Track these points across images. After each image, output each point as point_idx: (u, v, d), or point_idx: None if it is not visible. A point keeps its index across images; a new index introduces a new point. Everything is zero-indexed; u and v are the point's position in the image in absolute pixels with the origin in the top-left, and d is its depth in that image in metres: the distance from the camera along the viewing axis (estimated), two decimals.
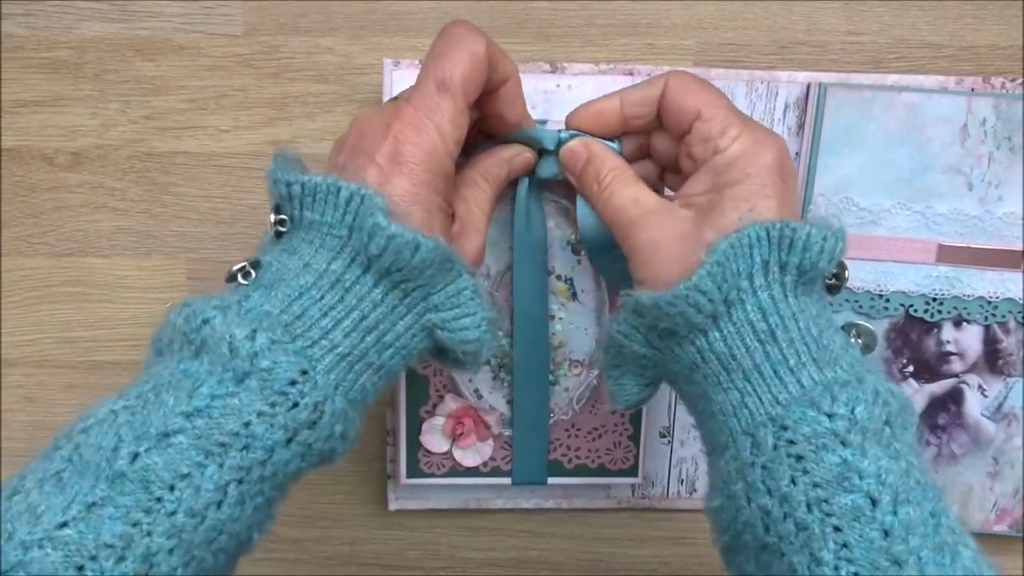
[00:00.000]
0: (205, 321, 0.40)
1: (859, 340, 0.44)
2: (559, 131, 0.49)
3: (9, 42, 0.55)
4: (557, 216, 0.54)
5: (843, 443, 0.38)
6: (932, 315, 0.58)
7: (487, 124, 0.49)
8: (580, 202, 0.50)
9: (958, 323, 0.58)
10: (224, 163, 0.57)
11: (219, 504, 0.38)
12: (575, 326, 0.57)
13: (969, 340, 0.58)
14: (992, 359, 0.59)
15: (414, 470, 0.59)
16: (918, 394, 0.59)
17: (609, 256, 0.49)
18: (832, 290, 0.44)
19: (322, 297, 0.41)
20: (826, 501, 0.37)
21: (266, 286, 0.42)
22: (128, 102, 0.56)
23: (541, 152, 0.50)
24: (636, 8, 0.55)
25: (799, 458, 0.38)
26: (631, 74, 0.54)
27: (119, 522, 0.36)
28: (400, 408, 0.57)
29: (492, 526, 0.64)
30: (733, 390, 0.41)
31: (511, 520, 0.64)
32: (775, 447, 0.39)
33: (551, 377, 0.58)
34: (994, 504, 0.61)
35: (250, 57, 0.55)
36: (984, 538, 0.62)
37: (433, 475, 0.59)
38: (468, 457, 0.59)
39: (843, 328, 0.44)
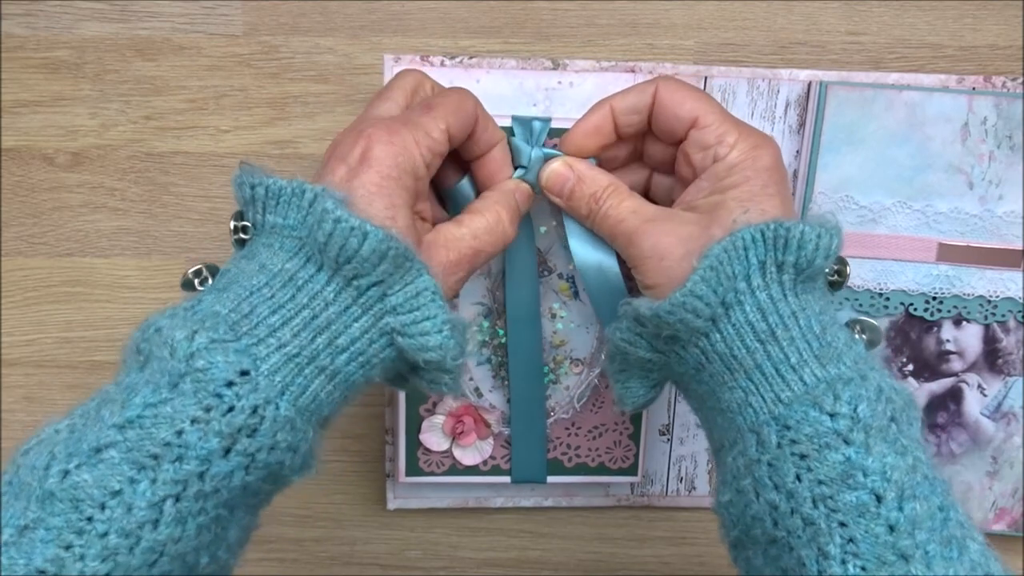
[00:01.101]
0: (156, 330, 0.38)
1: (863, 336, 0.44)
2: (531, 149, 0.50)
3: (9, 42, 0.55)
4: (559, 215, 0.54)
5: (846, 441, 0.38)
6: (932, 314, 0.58)
7: (477, 185, 0.50)
8: (574, 238, 0.50)
9: (958, 322, 0.58)
10: (224, 163, 0.57)
11: (155, 523, 0.35)
12: (576, 324, 0.57)
13: (969, 339, 0.59)
14: (992, 358, 0.59)
15: (414, 469, 0.59)
16: (918, 393, 0.59)
17: (610, 296, 0.50)
18: (834, 286, 0.44)
19: (273, 295, 0.39)
20: (831, 498, 0.37)
21: (220, 289, 0.40)
22: (128, 102, 0.56)
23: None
24: (636, 8, 0.55)
25: (803, 456, 0.38)
26: (633, 71, 0.54)
27: (52, 545, 0.34)
28: (399, 406, 0.57)
29: (492, 526, 0.64)
30: (737, 389, 0.41)
31: (511, 520, 0.64)
32: (779, 445, 0.39)
33: (552, 376, 0.58)
34: (993, 503, 0.62)
35: (250, 57, 0.55)
36: None
37: (433, 474, 0.59)
38: (468, 456, 0.59)
39: (847, 324, 0.44)
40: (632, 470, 0.60)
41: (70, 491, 0.34)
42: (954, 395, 0.60)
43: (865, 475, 0.37)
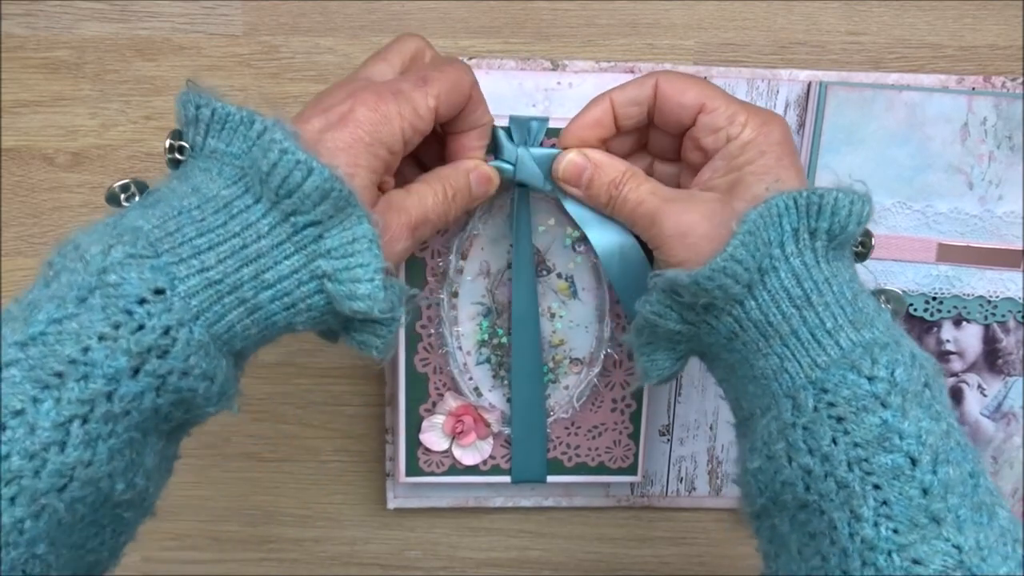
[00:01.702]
0: (74, 246, 0.36)
1: (888, 306, 0.45)
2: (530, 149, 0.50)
3: (9, 42, 0.55)
4: (558, 214, 0.54)
5: (883, 405, 0.38)
6: (932, 314, 0.58)
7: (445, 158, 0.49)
8: (591, 228, 0.50)
9: (958, 322, 0.58)
10: None
11: (62, 445, 0.33)
12: (575, 324, 0.57)
13: (969, 339, 0.59)
14: (991, 358, 0.59)
15: (413, 468, 0.59)
16: None
17: (635, 278, 0.50)
18: (860, 257, 0.45)
19: (203, 218, 0.38)
20: (866, 460, 0.38)
21: (146, 206, 0.38)
22: (128, 102, 0.56)
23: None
24: (636, 8, 0.55)
25: (840, 419, 0.39)
26: (632, 71, 0.54)
27: None
28: (399, 406, 0.57)
29: (492, 526, 0.64)
30: (772, 355, 0.42)
31: (511, 520, 0.64)
32: (816, 409, 0.39)
33: (551, 375, 0.58)
34: None
35: (250, 57, 0.55)
36: None
37: (433, 473, 0.59)
38: (468, 455, 0.59)
39: (872, 294, 0.44)
40: (632, 470, 0.60)
41: None
42: (954, 395, 0.60)
43: (901, 438, 0.38)
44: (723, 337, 0.43)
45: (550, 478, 0.59)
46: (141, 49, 0.55)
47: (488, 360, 0.57)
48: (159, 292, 0.35)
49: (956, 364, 0.59)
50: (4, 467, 0.32)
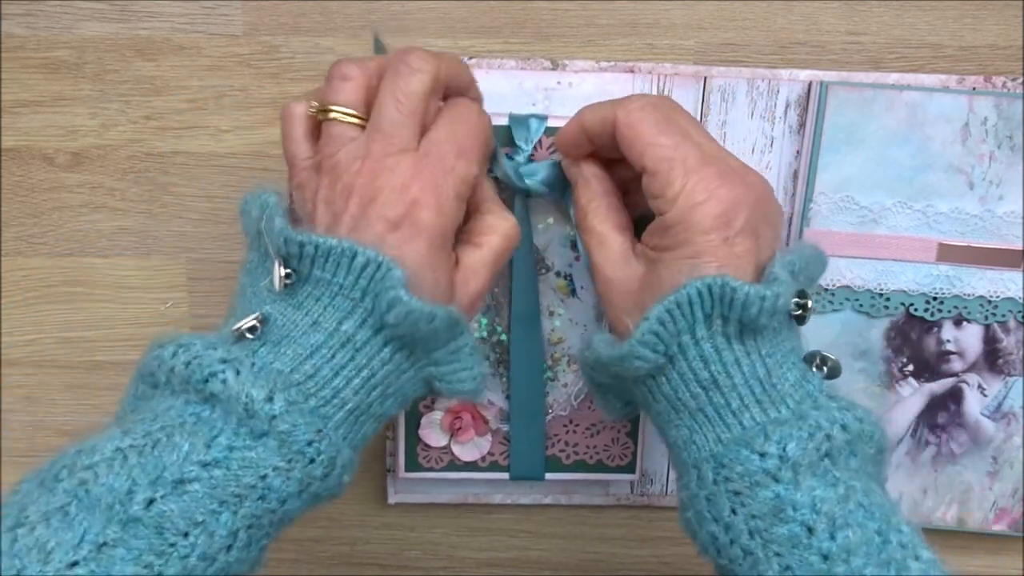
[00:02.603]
0: (213, 374, 0.39)
1: (825, 367, 0.45)
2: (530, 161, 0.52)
3: (9, 42, 0.55)
4: (556, 213, 0.55)
5: (775, 479, 0.40)
6: (932, 314, 0.58)
7: None
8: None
9: (958, 322, 0.58)
10: (224, 163, 0.57)
11: (229, 548, 0.38)
12: (574, 322, 0.57)
13: (969, 339, 0.58)
14: (992, 358, 0.59)
15: (413, 464, 0.59)
16: (918, 393, 0.59)
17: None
18: (800, 320, 0.44)
19: (333, 356, 0.41)
20: (765, 531, 0.40)
21: (274, 342, 0.41)
22: (128, 102, 0.56)
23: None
24: (636, 8, 0.55)
25: (736, 493, 0.41)
26: (632, 71, 0.54)
27: (131, 564, 0.36)
28: None
29: (492, 526, 0.64)
30: (683, 427, 0.44)
31: (511, 520, 0.64)
32: (715, 482, 0.41)
33: (549, 373, 0.58)
34: (993, 504, 0.62)
35: (250, 57, 0.55)
36: (983, 538, 0.62)
37: (432, 469, 0.59)
38: (466, 452, 0.59)
39: (806, 357, 0.45)
40: (630, 468, 0.60)
41: (156, 519, 0.37)
42: (954, 395, 0.60)
43: (795, 509, 0.39)
44: (641, 402, 0.46)
45: (548, 475, 0.59)
46: (141, 49, 0.55)
47: (487, 358, 0.57)
48: (319, 431, 0.40)
49: (956, 364, 0.59)
50: (181, 565, 0.37)
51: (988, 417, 0.60)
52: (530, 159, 0.53)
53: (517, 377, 0.57)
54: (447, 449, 0.59)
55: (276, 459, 0.39)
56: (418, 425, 0.58)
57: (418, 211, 0.41)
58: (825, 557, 0.38)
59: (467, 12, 0.55)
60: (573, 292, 0.57)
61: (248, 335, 0.41)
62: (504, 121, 0.52)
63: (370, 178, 0.42)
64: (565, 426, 0.59)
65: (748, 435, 0.41)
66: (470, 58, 0.54)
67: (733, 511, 0.40)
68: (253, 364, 0.40)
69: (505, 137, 0.53)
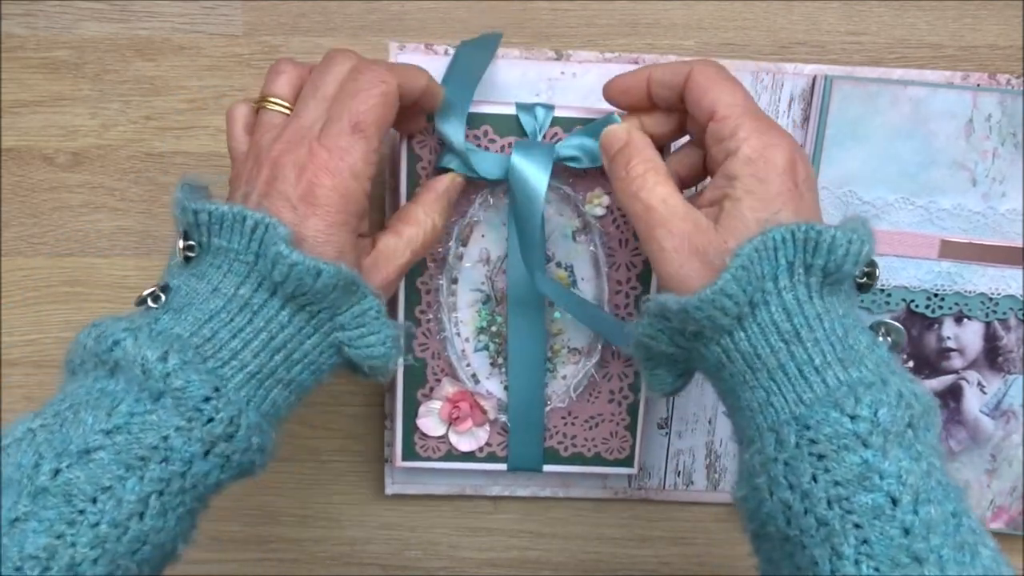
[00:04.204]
0: (116, 343, 0.40)
1: (888, 338, 0.44)
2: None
3: (9, 42, 0.55)
4: (559, 203, 0.55)
5: (864, 444, 0.38)
6: (933, 311, 0.58)
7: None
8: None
9: (959, 319, 0.58)
10: (224, 163, 0.57)
11: (141, 515, 0.39)
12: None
13: (969, 336, 0.59)
14: (992, 356, 0.59)
15: (410, 453, 0.59)
16: None
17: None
18: (863, 289, 0.44)
19: (231, 320, 0.42)
20: (847, 499, 0.38)
21: (175, 309, 0.43)
22: (128, 102, 0.56)
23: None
24: (636, 8, 0.55)
25: (821, 457, 0.39)
26: (636, 63, 0.54)
27: (43, 535, 0.36)
28: (397, 391, 0.57)
29: (492, 526, 0.64)
30: (759, 388, 0.42)
31: (511, 520, 0.64)
32: (797, 445, 0.39)
33: (549, 365, 0.58)
34: (991, 502, 0.62)
35: (250, 57, 0.55)
36: None
37: (429, 459, 0.59)
38: (464, 442, 0.59)
39: (872, 327, 0.44)
40: (628, 461, 0.60)
41: (63, 487, 0.37)
42: (954, 392, 0.60)
43: (882, 478, 0.38)
44: (712, 366, 0.44)
45: (546, 467, 0.59)
46: (141, 49, 0.55)
47: (487, 347, 0.57)
48: (217, 390, 0.41)
49: (956, 361, 0.59)
50: (93, 534, 0.37)
51: (987, 415, 0.60)
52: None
53: (516, 367, 0.57)
54: (445, 439, 0.59)
55: (175, 419, 0.39)
56: (416, 414, 0.58)
57: (314, 191, 0.43)
58: (907, 531, 0.37)
59: (467, 12, 0.55)
60: (574, 283, 0.57)
61: (153, 304, 0.43)
62: (511, 110, 0.52)
63: (277, 158, 0.44)
64: (563, 418, 0.59)
65: (835, 396, 0.39)
66: None
67: (814, 478, 0.38)
68: (152, 330, 0.41)
69: (513, 125, 0.53)
